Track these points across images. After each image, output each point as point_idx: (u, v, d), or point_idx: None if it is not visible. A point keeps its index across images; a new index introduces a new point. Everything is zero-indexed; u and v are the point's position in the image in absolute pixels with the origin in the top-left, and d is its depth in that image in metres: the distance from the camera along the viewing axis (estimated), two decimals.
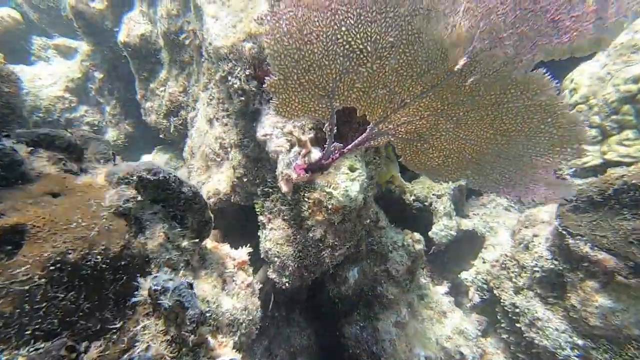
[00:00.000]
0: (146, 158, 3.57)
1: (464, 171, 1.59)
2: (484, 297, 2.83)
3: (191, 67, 2.77)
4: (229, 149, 2.09)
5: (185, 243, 1.35)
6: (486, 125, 1.48)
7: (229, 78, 1.84)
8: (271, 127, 1.81)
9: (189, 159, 2.65)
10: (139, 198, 1.18)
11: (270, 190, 1.96)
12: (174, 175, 1.33)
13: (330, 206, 1.84)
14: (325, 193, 1.84)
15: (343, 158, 1.89)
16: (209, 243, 1.60)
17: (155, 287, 1.00)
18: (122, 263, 1.04)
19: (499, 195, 1.58)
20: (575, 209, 2.06)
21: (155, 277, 1.05)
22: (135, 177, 1.17)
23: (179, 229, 1.35)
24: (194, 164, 2.41)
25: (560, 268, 2.12)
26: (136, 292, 1.04)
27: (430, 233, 3.09)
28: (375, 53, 1.29)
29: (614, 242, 1.88)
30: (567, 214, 2.08)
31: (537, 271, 2.25)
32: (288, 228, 1.92)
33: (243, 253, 1.69)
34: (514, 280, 2.46)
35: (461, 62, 1.30)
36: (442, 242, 3.06)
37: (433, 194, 3.22)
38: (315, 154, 1.68)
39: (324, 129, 1.49)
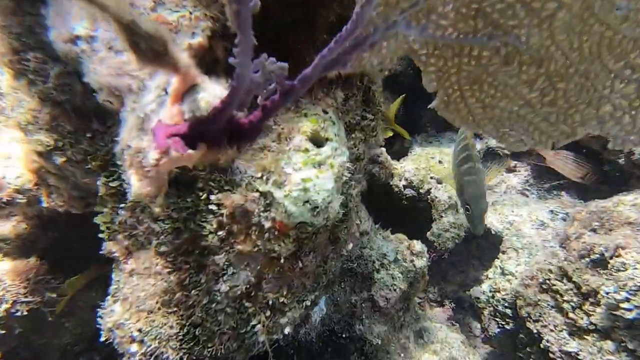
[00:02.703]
0: None
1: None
2: (505, 326, 1.96)
3: None
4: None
5: None
6: None
7: None
8: (89, 13, 0.65)
9: None
10: None
11: (128, 185, 0.84)
12: None
13: (269, 224, 0.77)
14: (257, 195, 0.75)
15: (295, 109, 0.80)
16: None
17: None
18: None
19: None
20: None
21: None
22: None
23: None
24: None
25: None
26: None
27: (429, 234, 2.14)
28: None
29: None
30: None
31: (630, 309, 1.36)
32: (170, 272, 0.82)
33: None
34: (570, 315, 1.57)
35: None
36: (446, 247, 2.12)
37: (432, 177, 2.24)
38: (214, 90, 0.57)
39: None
